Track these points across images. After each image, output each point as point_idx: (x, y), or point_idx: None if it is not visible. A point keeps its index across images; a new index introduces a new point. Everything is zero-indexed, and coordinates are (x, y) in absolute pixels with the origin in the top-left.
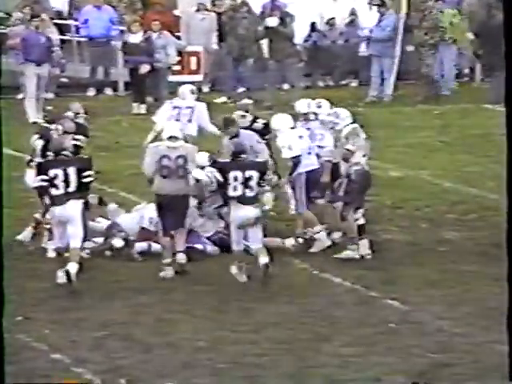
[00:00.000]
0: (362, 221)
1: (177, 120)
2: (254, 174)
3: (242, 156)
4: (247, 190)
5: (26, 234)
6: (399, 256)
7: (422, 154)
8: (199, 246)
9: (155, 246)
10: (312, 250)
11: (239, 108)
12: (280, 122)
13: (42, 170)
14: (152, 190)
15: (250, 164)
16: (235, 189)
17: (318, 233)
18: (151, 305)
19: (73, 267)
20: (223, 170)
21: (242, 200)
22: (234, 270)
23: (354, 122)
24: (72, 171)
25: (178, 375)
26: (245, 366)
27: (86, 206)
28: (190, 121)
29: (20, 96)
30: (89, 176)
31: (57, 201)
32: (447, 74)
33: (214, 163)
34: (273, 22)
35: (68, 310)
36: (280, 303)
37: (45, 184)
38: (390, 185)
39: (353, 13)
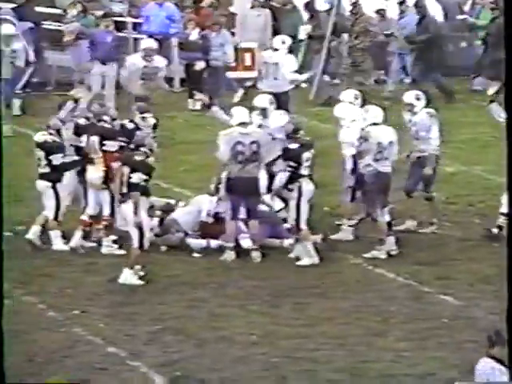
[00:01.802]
0: (387, 218)
1: (264, 78)
2: (312, 154)
3: (300, 132)
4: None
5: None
6: (453, 251)
7: (476, 150)
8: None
9: (214, 243)
10: (333, 236)
11: None
12: (343, 112)
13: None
14: (223, 176)
15: (311, 144)
16: (306, 168)
17: (349, 225)
18: (205, 299)
19: (129, 276)
20: (297, 154)
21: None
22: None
23: (376, 124)
24: (125, 170)
25: (231, 369)
26: (298, 360)
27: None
28: (276, 78)
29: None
30: (138, 178)
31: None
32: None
33: (286, 153)
34: (305, 30)
35: (123, 304)
36: (334, 298)
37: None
38: (443, 180)
39: (380, 12)
